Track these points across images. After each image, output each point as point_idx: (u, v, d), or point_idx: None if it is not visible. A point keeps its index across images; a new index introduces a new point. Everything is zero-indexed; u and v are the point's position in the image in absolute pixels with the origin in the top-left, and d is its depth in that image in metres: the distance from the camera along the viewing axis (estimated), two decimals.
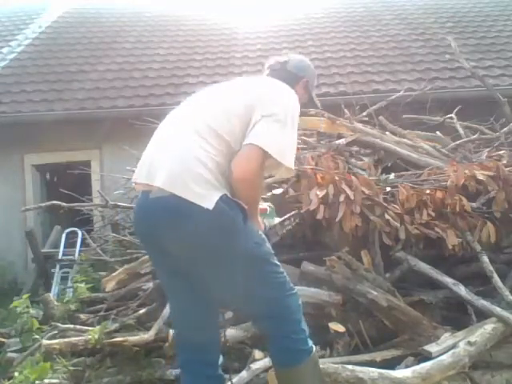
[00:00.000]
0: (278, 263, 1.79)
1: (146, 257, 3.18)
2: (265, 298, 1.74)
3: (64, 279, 4.84)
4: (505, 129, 4.31)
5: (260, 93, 1.78)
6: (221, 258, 1.67)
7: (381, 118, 4.37)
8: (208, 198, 1.60)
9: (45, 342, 2.58)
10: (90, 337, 2.52)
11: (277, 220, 2.28)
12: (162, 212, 1.65)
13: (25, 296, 3.18)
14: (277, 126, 1.67)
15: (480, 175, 2.98)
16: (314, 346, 1.82)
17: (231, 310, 2.36)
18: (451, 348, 2.24)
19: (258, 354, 2.32)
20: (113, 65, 7.31)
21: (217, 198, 1.60)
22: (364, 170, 3.39)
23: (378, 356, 2.33)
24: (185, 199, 1.59)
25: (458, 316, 2.73)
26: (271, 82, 1.92)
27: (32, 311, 3.12)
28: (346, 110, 4.28)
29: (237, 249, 1.67)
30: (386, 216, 2.77)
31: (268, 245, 1.80)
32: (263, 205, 2.14)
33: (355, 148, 3.74)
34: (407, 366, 2.18)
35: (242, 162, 1.63)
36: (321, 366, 1.91)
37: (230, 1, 9.51)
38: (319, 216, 2.72)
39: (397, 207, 2.84)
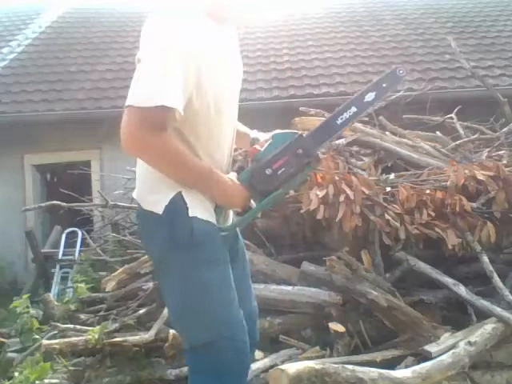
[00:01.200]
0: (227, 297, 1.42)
1: (146, 257, 3.19)
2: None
3: (64, 279, 4.83)
4: (505, 129, 4.31)
5: None
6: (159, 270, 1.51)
7: (381, 118, 4.36)
8: (149, 203, 1.43)
9: (45, 342, 2.58)
10: (90, 337, 2.52)
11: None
12: None
13: (25, 296, 3.18)
14: (142, 71, 1.30)
15: (480, 175, 2.98)
16: None
17: None
18: (451, 348, 2.23)
19: (257, 354, 2.32)
20: (113, 65, 7.30)
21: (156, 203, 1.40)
22: (364, 170, 3.38)
23: (378, 356, 2.32)
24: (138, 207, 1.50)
25: (457, 316, 2.73)
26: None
27: (32, 311, 3.11)
28: None
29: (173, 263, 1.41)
30: (386, 216, 2.77)
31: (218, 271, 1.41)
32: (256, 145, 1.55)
33: (355, 148, 3.74)
34: (407, 366, 2.18)
35: (121, 134, 1.28)
36: (321, 366, 1.91)
37: None
38: (319, 216, 2.72)
39: (397, 207, 2.84)
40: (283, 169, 1.44)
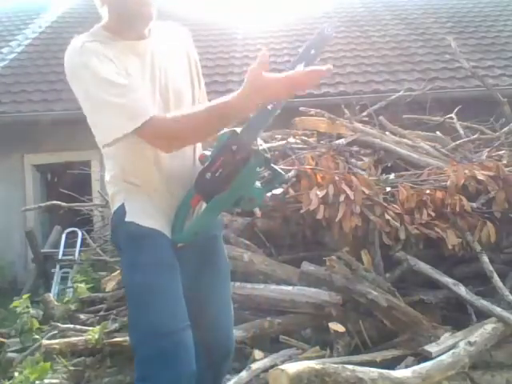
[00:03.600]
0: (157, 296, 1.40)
1: None
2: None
3: (64, 279, 4.85)
4: (505, 129, 4.31)
5: None
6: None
7: (381, 118, 4.36)
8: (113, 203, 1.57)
9: (45, 341, 2.58)
10: (89, 337, 2.53)
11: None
12: None
13: (25, 296, 3.19)
14: (86, 111, 1.52)
15: (480, 175, 2.98)
16: None
17: None
18: (451, 348, 2.23)
19: (257, 354, 2.32)
20: None
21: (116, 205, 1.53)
22: (364, 170, 3.38)
23: (378, 356, 2.32)
24: None
25: (457, 316, 2.73)
26: None
27: (32, 311, 3.12)
28: (346, 110, 4.28)
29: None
30: (386, 216, 2.77)
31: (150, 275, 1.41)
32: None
33: (355, 148, 3.74)
34: (407, 366, 2.18)
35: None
36: (321, 366, 1.91)
37: (230, 1, 9.49)
38: (319, 216, 2.72)
39: (397, 207, 2.84)
40: (221, 170, 1.40)
